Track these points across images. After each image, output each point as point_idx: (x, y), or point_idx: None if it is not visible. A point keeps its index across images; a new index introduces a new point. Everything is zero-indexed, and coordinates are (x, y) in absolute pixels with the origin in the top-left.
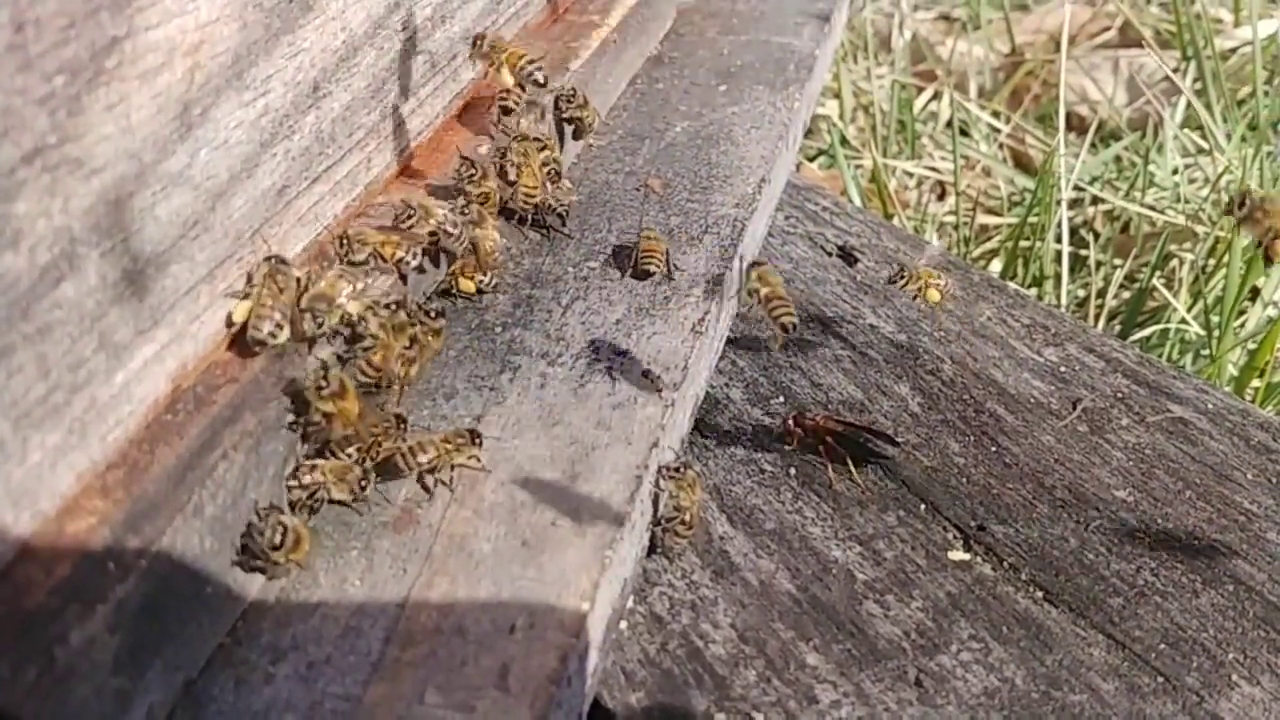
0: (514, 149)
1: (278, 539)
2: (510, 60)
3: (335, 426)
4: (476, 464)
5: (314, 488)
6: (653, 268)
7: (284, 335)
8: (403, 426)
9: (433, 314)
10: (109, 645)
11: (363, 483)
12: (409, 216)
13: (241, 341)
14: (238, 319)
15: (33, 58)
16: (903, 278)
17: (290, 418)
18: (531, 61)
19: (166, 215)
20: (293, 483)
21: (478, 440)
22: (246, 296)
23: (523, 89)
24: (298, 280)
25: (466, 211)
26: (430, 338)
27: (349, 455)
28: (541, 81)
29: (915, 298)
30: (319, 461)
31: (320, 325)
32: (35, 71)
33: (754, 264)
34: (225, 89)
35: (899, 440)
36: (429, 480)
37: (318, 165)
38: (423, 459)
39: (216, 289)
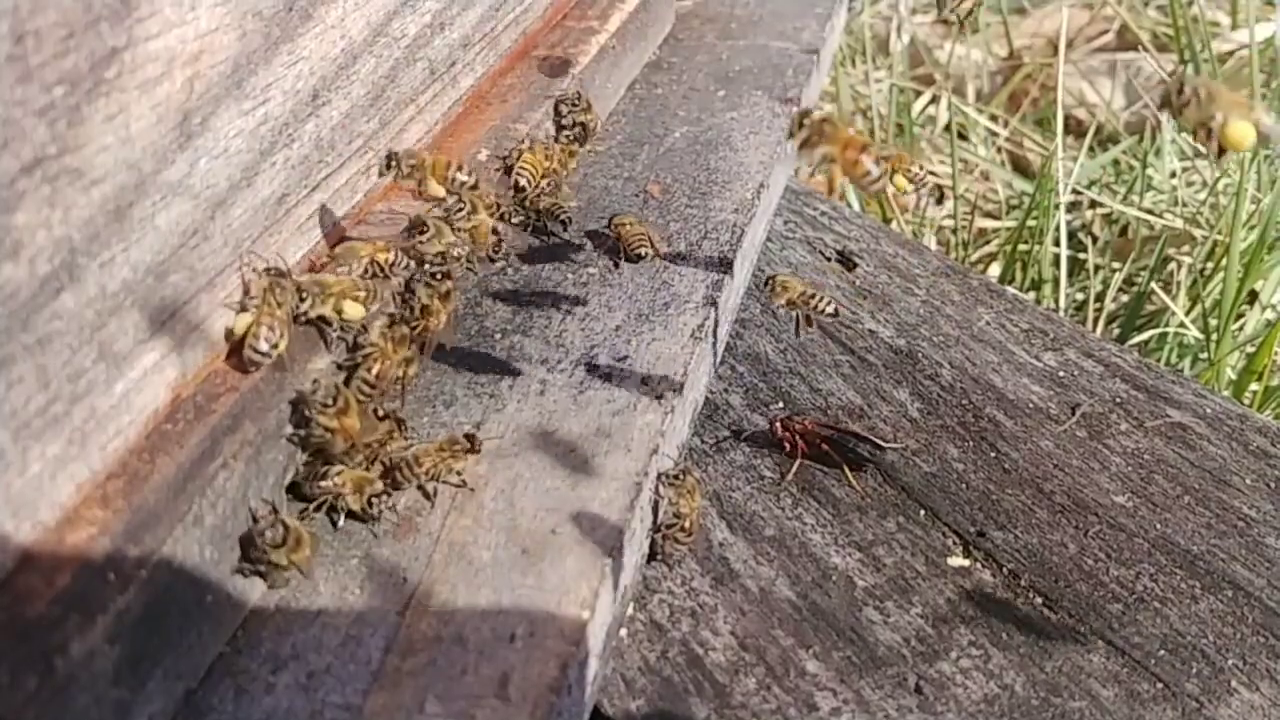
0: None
1: (278, 537)
2: (436, 171)
3: (337, 441)
4: (474, 470)
5: (333, 493)
6: (644, 250)
7: (282, 346)
8: (403, 428)
9: (438, 276)
10: (109, 655)
11: (374, 499)
12: (422, 232)
13: (241, 351)
14: (238, 330)
15: (32, 69)
16: None
17: (290, 430)
18: (459, 168)
19: (166, 225)
20: (318, 485)
21: (476, 445)
22: (245, 309)
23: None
24: (297, 288)
25: (461, 205)
26: (439, 301)
27: (358, 463)
28: (474, 184)
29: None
30: (342, 468)
31: (304, 301)
32: (35, 82)
33: (769, 278)
34: (225, 98)
35: (886, 445)
36: (429, 487)
37: (317, 173)
38: (420, 468)
39: (216, 298)
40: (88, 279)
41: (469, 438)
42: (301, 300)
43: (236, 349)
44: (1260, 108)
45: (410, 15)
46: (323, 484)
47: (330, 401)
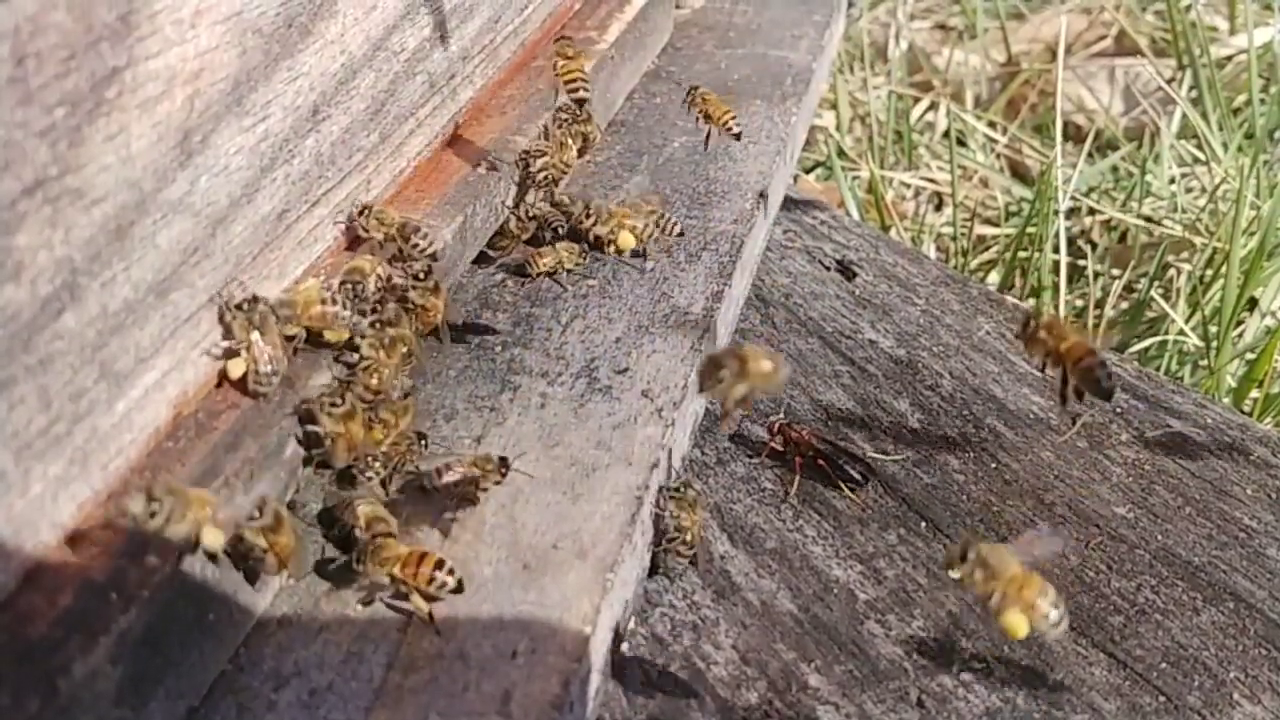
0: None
1: (255, 510)
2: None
3: (339, 448)
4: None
5: (348, 526)
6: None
7: (283, 369)
8: (423, 443)
9: (421, 275)
10: (111, 676)
11: (378, 531)
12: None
13: (245, 387)
14: (234, 375)
15: (33, 90)
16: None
17: (295, 444)
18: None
19: (167, 243)
20: (342, 516)
21: (505, 469)
22: (234, 353)
23: None
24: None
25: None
26: (430, 296)
27: (376, 474)
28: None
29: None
30: (361, 504)
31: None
32: (36, 104)
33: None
34: (225, 115)
35: (883, 458)
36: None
37: (317, 189)
38: (449, 479)
39: (218, 315)
40: (89, 299)
41: (501, 459)
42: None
43: (240, 385)
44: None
45: (409, 29)
46: (346, 516)
47: (337, 404)
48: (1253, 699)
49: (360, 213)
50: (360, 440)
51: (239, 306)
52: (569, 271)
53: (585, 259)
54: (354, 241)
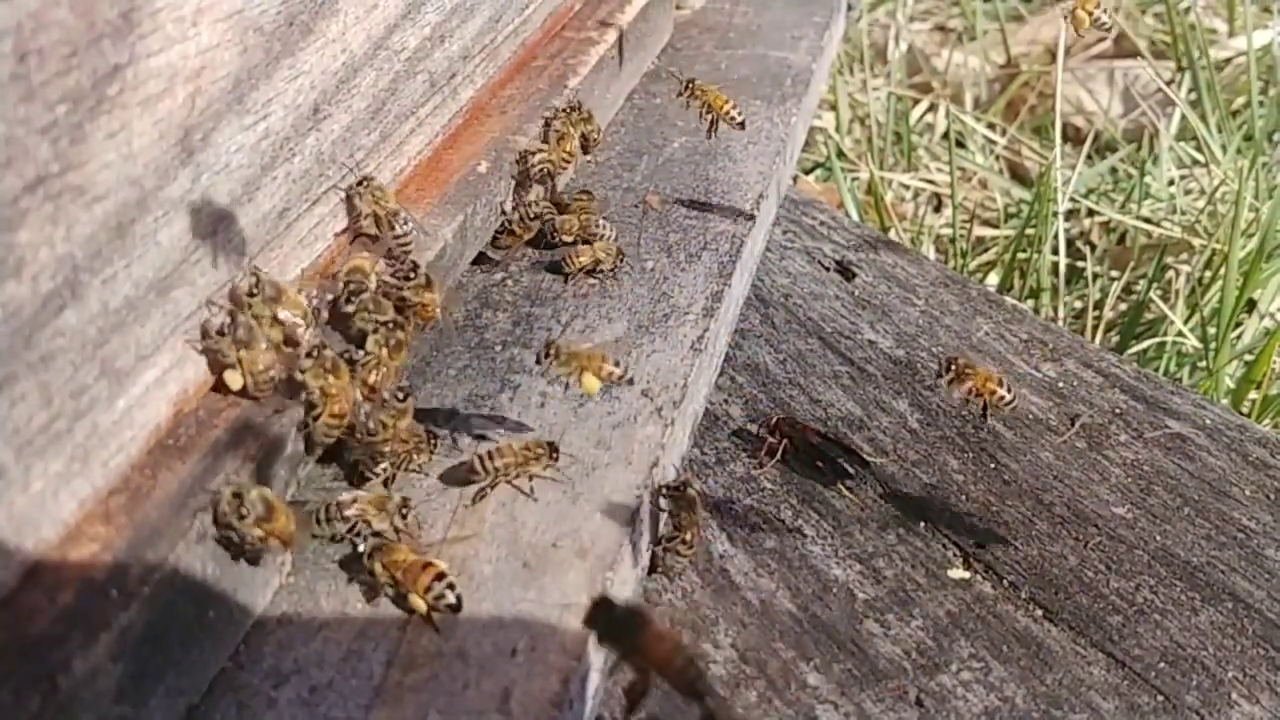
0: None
1: (243, 510)
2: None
3: (327, 411)
4: (549, 475)
5: (354, 521)
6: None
7: (279, 375)
8: (433, 441)
9: (408, 275)
10: (112, 673)
11: (403, 511)
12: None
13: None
14: (234, 387)
15: (35, 87)
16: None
17: (296, 441)
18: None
19: (168, 241)
20: (337, 518)
21: (555, 454)
22: (229, 366)
23: None
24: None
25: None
26: (423, 292)
27: (381, 471)
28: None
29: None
30: (359, 494)
31: (254, 296)
32: (38, 101)
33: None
34: (226, 113)
35: (873, 458)
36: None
37: (318, 187)
38: (500, 464)
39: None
40: (90, 296)
41: (550, 444)
42: (252, 295)
43: (241, 393)
44: None
45: (410, 28)
46: (348, 513)
47: (314, 354)
48: (1251, 699)
49: (360, 182)
50: (349, 408)
51: (219, 331)
52: (606, 269)
53: (622, 260)
54: (355, 236)
